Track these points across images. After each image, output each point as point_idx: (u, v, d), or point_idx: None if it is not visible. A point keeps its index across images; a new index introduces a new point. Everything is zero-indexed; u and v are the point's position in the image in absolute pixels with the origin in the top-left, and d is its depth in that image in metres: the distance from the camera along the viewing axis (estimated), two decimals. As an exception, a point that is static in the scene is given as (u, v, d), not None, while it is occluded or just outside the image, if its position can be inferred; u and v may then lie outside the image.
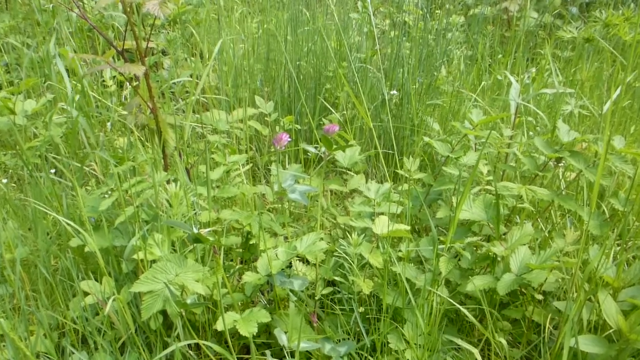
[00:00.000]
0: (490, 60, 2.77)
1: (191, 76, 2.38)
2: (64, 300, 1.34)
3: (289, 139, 1.32)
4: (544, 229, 1.55)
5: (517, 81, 1.71)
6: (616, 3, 3.35)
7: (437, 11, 2.85)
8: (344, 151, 1.62)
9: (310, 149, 1.40)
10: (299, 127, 2.11)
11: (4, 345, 1.21)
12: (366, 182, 1.66)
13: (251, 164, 1.67)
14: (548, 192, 1.38)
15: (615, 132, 1.82)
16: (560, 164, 1.52)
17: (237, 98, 2.18)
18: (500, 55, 2.67)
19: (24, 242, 1.48)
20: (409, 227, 1.29)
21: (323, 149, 1.41)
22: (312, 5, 2.31)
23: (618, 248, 1.36)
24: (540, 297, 1.31)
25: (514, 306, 1.37)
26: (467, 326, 1.38)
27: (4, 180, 1.72)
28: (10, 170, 1.90)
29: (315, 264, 1.37)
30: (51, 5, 2.43)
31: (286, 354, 1.17)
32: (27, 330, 1.23)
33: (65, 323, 1.31)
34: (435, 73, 2.20)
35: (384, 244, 1.31)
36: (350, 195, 2.02)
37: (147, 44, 1.42)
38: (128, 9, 1.28)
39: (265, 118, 2.00)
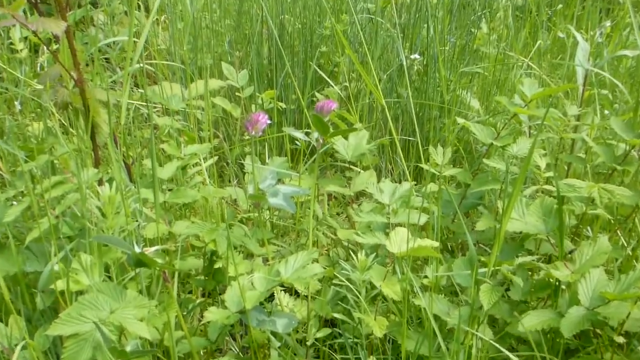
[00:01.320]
0: (548, 11, 2.77)
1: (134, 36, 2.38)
2: (-45, 349, 1.33)
3: (269, 122, 1.32)
4: (625, 244, 1.55)
5: (585, 40, 1.71)
6: None
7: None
8: (346, 138, 1.64)
9: (298, 135, 1.40)
10: (283, 105, 2.12)
11: None
12: (378, 181, 1.65)
13: (217, 157, 1.66)
14: (631, 193, 1.38)
15: None
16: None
17: (196, 66, 2.18)
18: (560, 5, 2.68)
19: None
20: (437, 244, 1.29)
21: (316, 134, 1.40)
22: None
23: None
24: (621, 339, 1.30)
25: (585, 353, 1.37)
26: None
27: None
28: None
29: (306, 296, 1.37)
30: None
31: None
32: None
33: (-43, 381, 1.30)
34: (473, 30, 2.21)
35: (402, 267, 1.31)
36: (356, 200, 2.02)
37: (70, -10, 1.41)
38: (42, -59, 1.27)
39: (237, 93, 2.00)
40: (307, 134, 1.51)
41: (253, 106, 2.07)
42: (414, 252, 1.26)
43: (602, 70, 1.92)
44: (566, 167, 1.68)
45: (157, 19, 2.59)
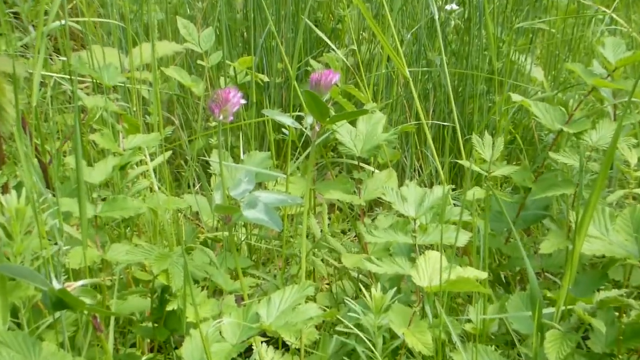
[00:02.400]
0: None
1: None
2: None
3: (243, 102, 1.31)
4: None
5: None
6: None
7: None
8: (354, 125, 1.65)
9: (286, 120, 1.39)
10: (265, 78, 2.13)
11: None
12: (400, 184, 1.65)
13: (171, 153, 1.66)
14: None
15: None
16: None
17: (141, 23, 2.17)
18: None
19: None
20: (485, 274, 1.29)
21: (310, 119, 1.40)
22: None
23: None
24: None
25: None
26: None
27: None
28: None
29: (298, 349, 1.37)
30: None
31: None
32: None
33: None
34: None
35: (435, 307, 1.30)
36: (369, 211, 2.02)
37: None
38: None
39: (199, 62, 2.01)
40: (298, 118, 1.51)
41: (222, 80, 2.07)
42: (451, 285, 1.26)
43: None
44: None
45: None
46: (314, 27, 1.92)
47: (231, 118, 1.34)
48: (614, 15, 2.09)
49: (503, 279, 1.74)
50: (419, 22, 2.10)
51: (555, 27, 2.15)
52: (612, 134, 1.52)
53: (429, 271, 1.29)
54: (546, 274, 1.65)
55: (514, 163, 2.01)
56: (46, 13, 1.63)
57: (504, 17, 2.13)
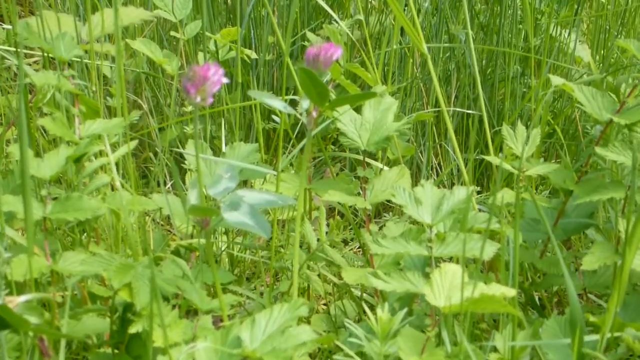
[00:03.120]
0: None
1: None
2: None
3: (225, 81, 1.32)
4: None
5: None
6: None
7: None
8: (358, 112, 1.65)
9: (277, 104, 1.40)
10: (253, 55, 2.13)
11: None
12: (414, 184, 1.66)
13: (137, 142, 1.68)
14: None
15: None
16: None
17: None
18: None
19: None
20: (514, 292, 1.30)
21: (306, 103, 1.41)
22: None
23: None
24: None
25: None
26: None
27: None
28: None
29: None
30: None
31: None
32: None
33: None
34: None
35: (452, 331, 1.32)
36: (377, 217, 2.03)
37: None
38: None
39: (173, 33, 2.03)
40: (292, 103, 1.52)
41: (200, 55, 2.08)
42: (473, 305, 1.27)
43: None
44: None
45: None
46: (311, -8, 1.94)
47: (210, 100, 1.35)
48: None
49: (537, 300, 1.75)
50: None
51: (606, -2, 2.17)
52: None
53: (446, 288, 1.30)
54: (589, 295, 1.66)
55: (553, 160, 2.03)
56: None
57: (544, -17, 2.14)
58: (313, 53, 1.40)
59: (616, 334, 1.30)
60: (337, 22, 2.01)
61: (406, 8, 1.73)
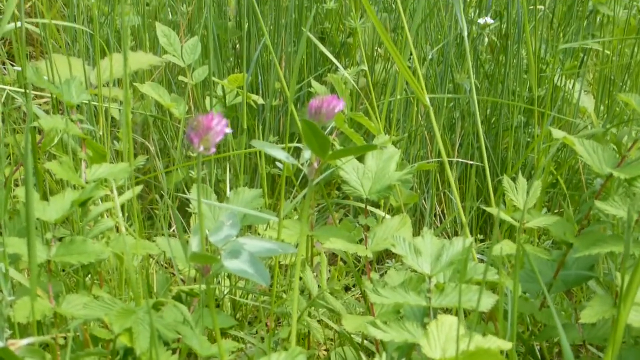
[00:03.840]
0: None
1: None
2: None
3: (227, 130, 1.33)
4: None
5: None
6: None
7: None
8: (361, 161, 1.66)
9: (277, 153, 1.42)
10: (260, 100, 2.14)
11: None
12: (416, 233, 1.67)
13: (143, 186, 1.69)
14: None
15: None
16: None
17: (113, 28, 2.20)
18: None
19: None
20: (509, 345, 1.31)
21: (308, 153, 1.42)
22: None
23: None
24: None
25: None
26: None
27: None
28: None
29: None
30: None
31: None
32: None
33: None
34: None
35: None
36: (378, 264, 2.03)
37: None
38: None
39: (181, 78, 2.03)
40: (297, 150, 1.53)
41: (207, 100, 2.09)
42: (468, 358, 1.28)
43: None
44: None
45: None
46: (316, 41, 1.94)
47: (213, 150, 1.36)
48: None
49: (537, 351, 1.75)
50: (446, 38, 2.13)
51: (610, 48, 2.18)
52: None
53: (443, 340, 1.30)
54: (589, 347, 1.66)
55: (556, 211, 2.03)
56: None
57: (549, 34, 2.15)
58: (315, 105, 1.41)
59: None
60: (341, 69, 2.03)
61: (411, 57, 1.74)
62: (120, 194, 1.68)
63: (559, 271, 1.64)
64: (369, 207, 1.84)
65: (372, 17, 1.48)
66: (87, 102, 1.83)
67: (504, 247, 1.59)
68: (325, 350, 1.78)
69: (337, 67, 2.00)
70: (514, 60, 2.12)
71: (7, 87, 2.09)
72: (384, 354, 1.35)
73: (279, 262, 1.80)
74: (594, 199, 1.63)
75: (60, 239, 1.54)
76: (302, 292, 1.73)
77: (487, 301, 1.44)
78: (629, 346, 1.50)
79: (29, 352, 1.26)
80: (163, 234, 1.94)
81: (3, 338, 1.18)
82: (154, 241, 1.63)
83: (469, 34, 2.07)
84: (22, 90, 2.04)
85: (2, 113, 2.08)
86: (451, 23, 2.14)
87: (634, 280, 1.23)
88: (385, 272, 1.75)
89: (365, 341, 1.69)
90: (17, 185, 1.79)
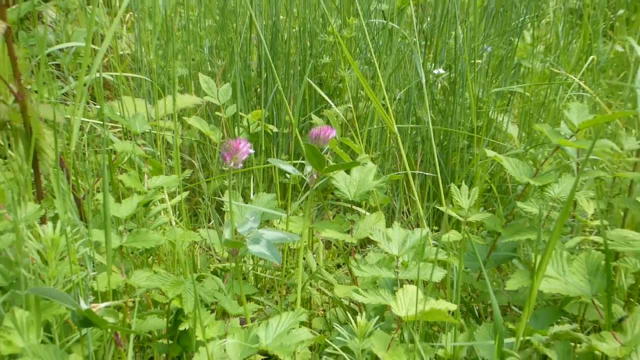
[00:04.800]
0: (611, 15, 2.82)
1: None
2: None
3: (251, 151, 1.36)
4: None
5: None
6: None
7: None
8: (348, 173, 1.67)
9: (286, 167, 1.43)
10: (274, 129, 2.14)
11: None
12: (389, 225, 1.68)
13: (188, 193, 1.70)
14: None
15: None
16: None
17: (167, 77, 2.22)
18: (621, 11, 2.72)
19: None
20: (455, 307, 1.32)
21: (309, 168, 1.44)
22: None
23: None
24: None
25: None
26: None
27: None
28: None
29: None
30: None
31: None
32: None
33: None
34: (514, 39, 2.25)
35: (411, 334, 1.33)
36: (361, 249, 2.04)
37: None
38: None
39: (217, 113, 2.03)
40: (302, 165, 1.55)
41: (237, 129, 2.09)
42: (425, 316, 1.29)
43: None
44: (622, 214, 1.71)
45: (120, 17, 2.64)
46: (315, 86, 1.96)
47: (240, 165, 1.38)
48: (581, 83, 2.13)
49: (476, 311, 1.76)
50: (410, 84, 2.13)
51: (530, 91, 2.19)
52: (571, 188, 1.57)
53: (407, 303, 1.32)
54: (513, 307, 1.67)
55: (490, 209, 2.04)
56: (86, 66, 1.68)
57: (485, 81, 2.16)
58: (315, 133, 1.44)
59: (527, 338, 1.32)
60: (334, 106, 2.04)
61: (384, 97, 1.76)
62: (172, 197, 1.70)
63: (491, 252, 1.65)
64: (354, 207, 1.84)
65: (355, 69, 1.50)
66: (148, 131, 1.84)
67: (451, 236, 1.60)
68: (322, 310, 1.79)
69: (331, 105, 2.01)
70: (460, 100, 2.12)
71: (91, 120, 2.10)
72: (364, 313, 1.36)
73: (288, 247, 1.81)
74: (516, 201, 1.65)
75: (129, 231, 1.55)
76: (305, 268, 1.73)
77: (439, 274, 1.46)
78: (540, 306, 1.51)
79: (107, 312, 1.27)
80: (204, 227, 1.95)
81: (88, 302, 1.19)
82: (197, 232, 1.64)
83: (427, 81, 2.08)
84: (101, 122, 2.05)
85: (87, 140, 2.09)
86: (414, 73, 2.14)
87: (544, 259, 1.24)
88: (366, 254, 1.74)
89: (351, 304, 1.69)
90: (98, 192, 1.80)
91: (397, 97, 2.12)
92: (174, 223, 1.60)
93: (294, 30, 2.28)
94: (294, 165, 1.55)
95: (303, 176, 1.49)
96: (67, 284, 1.35)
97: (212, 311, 1.55)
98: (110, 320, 1.21)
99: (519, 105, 2.24)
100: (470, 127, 2.08)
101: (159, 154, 1.89)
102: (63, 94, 2.30)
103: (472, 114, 2.01)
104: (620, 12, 2.73)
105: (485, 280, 1.54)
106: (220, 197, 2.05)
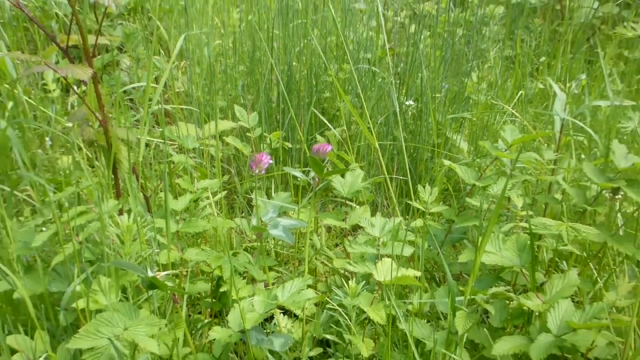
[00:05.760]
0: (536, 61, 2.83)
1: (155, 80, 2.45)
2: (-15, 361, 1.38)
3: (271, 161, 1.37)
4: (599, 279, 1.58)
5: (562, 90, 1.77)
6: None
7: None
8: (343, 177, 1.68)
9: (296, 173, 1.45)
10: (289, 145, 2.15)
11: None
12: (372, 215, 1.69)
13: (225, 192, 1.71)
14: (597, 231, 1.41)
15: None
16: (617, 196, 1.56)
17: (211, 108, 2.23)
18: (543, 58, 2.73)
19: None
20: (419, 274, 1.33)
21: (312, 173, 1.45)
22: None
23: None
24: (588, 365, 1.34)
25: (556, 377, 1.40)
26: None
27: None
28: None
29: (302, 319, 1.40)
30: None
31: None
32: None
33: (-14, 389, 1.35)
34: (465, 79, 2.26)
35: (388, 294, 1.34)
36: (353, 232, 2.05)
37: (97, 39, 1.48)
38: (75, -2, 1.35)
39: (248, 134, 2.04)
40: (306, 172, 1.56)
41: (262, 145, 2.10)
42: (397, 280, 1.30)
43: (577, 118, 1.97)
44: (544, 207, 1.72)
45: (177, 64, 2.65)
46: (318, 114, 1.97)
47: (263, 172, 1.40)
48: (513, 111, 2.14)
49: (436, 278, 1.76)
50: (388, 111, 2.13)
51: (476, 117, 2.19)
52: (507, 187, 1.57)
53: (385, 271, 1.33)
54: (464, 275, 1.67)
55: (447, 204, 2.05)
56: (150, 99, 1.70)
57: (444, 110, 2.16)
58: (316, 148, 1.44)
59: (473, 297, 1.33)
60: (332, 129, 2.05)
61: (369, 122, 1.76)
62: (214, 195, 1.71)
63: (447, 235, 1.65)
64: (348, 202, 1.85)
65: (347, 102, 1.51)
66: (197, 147, 1.85)
67: (418, 223, 1.61)
68: (324, 277, 1.78)
69: (330, 127, 2.02)
70: (425, 123, 2.13)
71: (155, 139, 2.11)
72: (354, 279, 1.37)
73: (299, 231, 1.82)
74: (466, 197, 1.65)
75: (183, 219, 1.55)
76: (312, 247, 1.75)
77: (408, 251, 1.46)
78: (483, 274, 1.51)
79: (167, 279, 1.27)
80: (238, 217, 1.96)
81: (153, 271, 1.20)
82: (233, 220, 1.64)
83: (400, 110, 2.09)
84: (163, 141, 2.06)
85: (153, 154, 2.10)
86: (390, 104, 2.14)
87: (485, 239, 1.25)
88: (356, 236, 1.74)
89: (345, 272, 1.70)
90: (160, 191, 1.81)
91: (379, 122, 2.12)
92: (215, 214, 1.61)
93: (303, 73, 2.29)
94: (303, 171, 1.56)
95: (309, 179, 1.50)
96: (138, 259, 1.36)
97: (244, 278, 1.55)
98: (170, 284, 1.22)
99: (469, 127, 2.24)
100: (433, 143, 2.08)
101: (205, 163, 1.90)
102: (135, 120, 2.31)
103: (434, 134, 2.02)
104: (543, 59, 2.74)
105: (442, 256, 1.54)
106: (249, 195, 2.05)
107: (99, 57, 2.40)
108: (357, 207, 1.76)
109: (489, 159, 1.75)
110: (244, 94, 2.39)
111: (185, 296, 1.41)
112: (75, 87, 1.56)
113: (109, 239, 1.39)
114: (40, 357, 1.25)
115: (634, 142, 1.96)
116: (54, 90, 2.12)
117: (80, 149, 1.98)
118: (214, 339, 1.40)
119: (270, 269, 1.64)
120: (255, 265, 1.50)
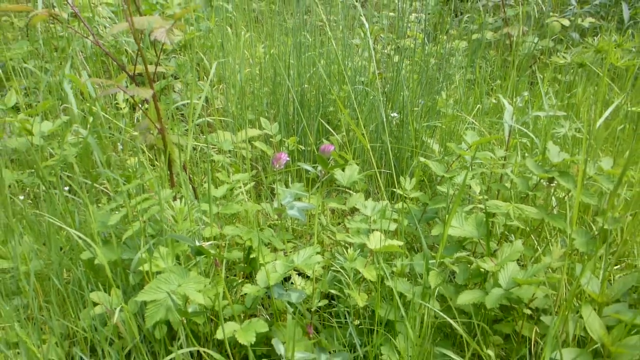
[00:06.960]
0: (492, 84, 2.82)
1: (198, 98, 2.46)
2: (75, 311, 1.40)
3: (288, 159, 1.38)
4: (539, 247, 1.58)
5: (510, 104, 1.77)
6: (618, 28, 3.41)
7: (442, 36, 2.90)
8: (343, 170, 1.68)
9: (308, 167, 1.46)
10: (302, 147, 2.16)
11: (18, 353, 1.28)
12: (365, 200, 1.69)
13: (254, 183, 1.72)
14: (536, 210, 1.42)
15: (606, 154, 1.86)
16: (552, 184, 1.56)
17: (243, 119, 2.24)
18: (498, 81, 2.72)
19: (39, 255, 1.55)
20: (401, 243, 1.34)
21: (319, 168, 1.46)
22: (315, 32, 2.39)
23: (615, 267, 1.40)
24: (529, 312, 1.34)
25: (506, 321, 1.41)
26: (461, 341, 1.42)
27: (21, 197, 1.80)
28: (27, 188, 1.97)
29: (312, 278, 1.41)
30: (67, 33, 2.54)
31: (283, 363, 1.22)
32: (40, 339, 1.29)
33: (76, 332, 1.37)
34: (436, 96, 2.26)
35: (378, 259, 1.35)
36: (351, 213, 2.06)
37: (156, 68, 1.50)
38: (137, 36, 1.37)
39: (271, 139, 2.04)
40: (314, 167, 1.56)
41: (282, 148, 2.11)
42: (385, 248, 1.31)
43: (522, 125, 1.97)
44: (497, 192, 1.72)
45: (217, 86, 2.67)
46: (325, 124, 1.98)
47: (282, 167, 1.41)
48: (473, 120, 2.14)
49: (415, 248, 1.76)
50: (378, 121, 2.13)
51: (445, 125, 2.20)
52: (467, 177, 1.57)
53: (375, 241, 1.34)
54: (435, 245, 1.67)
55: (423, 191, 2.05)
56: (195, 113, 1.72)
57: (420, 119, 2.16)
58: (322, 148, 1.45)
59: (442, 260, 1.34)
60: (334, 135, 2.06)
61: (363, 130, 1.76)
62: (245, 185, 1.72)
63: (423, 214, 1.65)
64: (347, 190, 1.86)
65: (345, 114, 1.51)
66: (232, 149, 1.86)
67: (400, 205, 1.61)
68: (330, 247, 1.80)
69: (333, 134, 2.02)
70: (406, 130, 2.13)
71: (200, 144, 2.13)
72: (352, 248, 1.38)
73: (310, 212, 1.83)
74: (437, 185, 1.66)
75: (222, 204, 1.57)
76: (320, 224, 1.75)
77: (393, 226, 1.46)
78: (450, 244, 1.52)
79: (211, 247, 1.29)
80: (264, 202, 1.97)
81: (200, 242, 1.22)
82: (260, 204, 1.66)
83: (387, 120, 2.10)
84: (206, 145, 2.08)
85: (198, 155, 2.12)
86: (379, 115, 2.15)
87: (451, 217, 1.26)
88: (354, 216, 1.76)
89: (345, 243, 1.70)
90: (204, 183, 1.82)
91: (370, 129, 2.13)
92: (246, 200, 1.62)
93: (313, 92, 2.30)
94: (313, 167, 1.57)
95: (317, 172, 1.51)
96: (188, 233, 1.38)
97: (268, 247, 1.56)
98: (212, 251, 1.24)
99: (439, 133, 2.24)
100: (412, 145, 2.09)
101: (238, 162, 1.91)
102: (185, 130, 2.33)
103: (412, 138, 2.02)
104: (497, 82, 2.74)
105: (419, 230, 1.55)
106: (272, 185, 2.07)
107: (157, 82, 2.42)
108: (354, 193, 1.77)
109: (455, 157, 1.75)
110: (268, 109, 2.40)
111: (224, 261, 1.42)
112: (140, 105, 1.57)
113: (166, 219, 1.41)
114: (115, 308, 1.27)
115: (564, 144, 1.96)
116: (124, 107, 2.14)
117: (143, 151, 2.00)
118: (246, 294, 1.41)
119: (288, 240, 1.65)
120: (277, 238, 1.50)
